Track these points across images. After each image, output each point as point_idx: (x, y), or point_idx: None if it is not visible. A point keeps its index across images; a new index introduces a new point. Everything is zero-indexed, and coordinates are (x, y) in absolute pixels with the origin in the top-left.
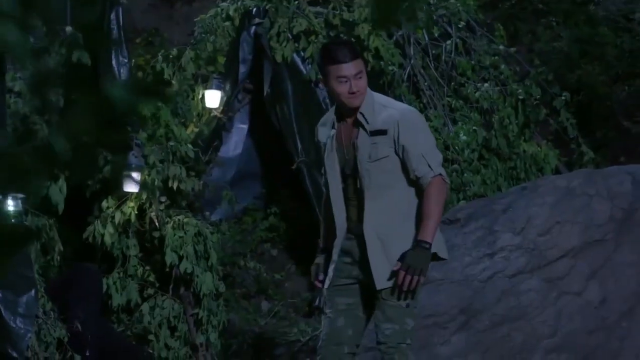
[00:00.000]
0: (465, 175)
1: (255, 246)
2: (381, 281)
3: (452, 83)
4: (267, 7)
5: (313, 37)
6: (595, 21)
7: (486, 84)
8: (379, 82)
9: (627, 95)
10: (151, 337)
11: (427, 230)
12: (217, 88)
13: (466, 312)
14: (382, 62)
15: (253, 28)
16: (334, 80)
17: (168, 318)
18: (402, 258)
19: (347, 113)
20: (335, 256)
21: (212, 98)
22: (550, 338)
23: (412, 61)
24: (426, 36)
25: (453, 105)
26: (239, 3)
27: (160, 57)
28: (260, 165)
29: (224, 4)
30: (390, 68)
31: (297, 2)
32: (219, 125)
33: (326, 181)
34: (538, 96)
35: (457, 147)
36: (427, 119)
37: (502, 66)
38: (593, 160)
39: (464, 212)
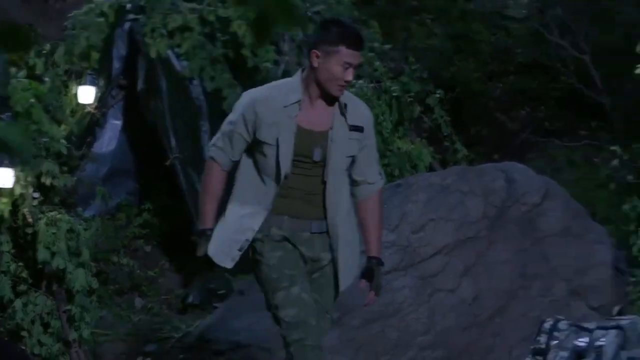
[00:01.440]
0: None
1: (129, 242)
2: (345, 282)
3: None
4: (141, 3)
5: (188, 34)
6: (469, 18)
7: (360, 81)
8: (254, 78)
9: (502, 92)
10: (24, 333)
11: (380, 244)
12: (91, 84)
13: (339, 309)
14: (256, 59)
15: (127, 24)
16: (337, 62)
17: (41, 314)
18: (370, 277)
19: (324, 98)
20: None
21: (86, 94)
22: (424, 335)
23: (287, 58)
24: (300, 33)
25: None
26: None
27: (33, 53)
28: (134, 161)
29: (98, 0)
30: (264, 64)
31: None
32: (93, 121)
33: (255, 159)
34: (412, 93)
35: None
36: None
37: (377, 63)
38: (467, 157)
39: None
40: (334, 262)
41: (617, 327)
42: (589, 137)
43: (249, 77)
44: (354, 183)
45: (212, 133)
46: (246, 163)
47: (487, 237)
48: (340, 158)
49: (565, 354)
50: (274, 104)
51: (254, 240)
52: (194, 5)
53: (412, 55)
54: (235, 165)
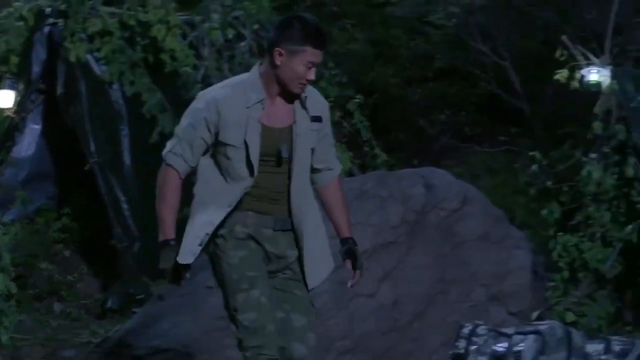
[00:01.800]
0: None
1: (48, 247)
2: (314, 280)
3: None
4: (61, 7)
5: (107, 38)
6: (389, 23)
7: None
8: (174, 82)
9: (421, 97)
10: None
11: (349, 225)
12: (10, 88)
13: None
14: (175, 63)
15: (47, 28)
16: (301, 61)
17: None
18: (353, 257)
19: (284, 96)
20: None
21: (5, 98)
22: (343, 340)
23: (206, 62)
24: (221, 37)
25: None
26: (32, 3)
27: None
28: (53, 166)
29: (18, 4)
30: (184, 69)
31: (91, 2)
32: (12, 126)
33: (216, 160)
34: (332, 98)
35: None
36: None
37: None
38: (386, 162)
39: None
40: (300, 259)
41: (536, 332)
42: (508, 143)
43: (169, 82)
44: (314, 171)
45: (132, 137)
46: (206, 166)
47: (406, 242)
48: (305, 152)
49: (484, 358)
50: (236, 103)
51: (216, 236)
52: (113, 9)
53: (332, 60)
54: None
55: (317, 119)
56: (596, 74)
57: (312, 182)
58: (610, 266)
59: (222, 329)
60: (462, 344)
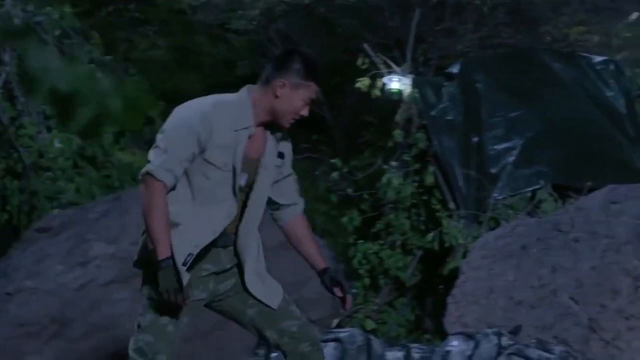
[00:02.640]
0: (59, 183)
1: None
2: (253, 286)
3: None
4: None
5: None
6: (192, 30)
7: None
8: None
9: None
10: None
11: (322, 257)
12: None
13: (59, 321)
14: None
15: None
16: (301, 96)
17: None
18: (340, 283)
19: (267, 126)
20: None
21: None
22: None
23: (7, 68)
24: None
25: (48, 113)
26: None
27: None
28: None
29: None
30: None
31: None
32: None
33: (190, 181)
34: None
35: (51, 155)
36: (22, 126)
37: (98, 74)
38: None
39: (57, 221)
40: (239, 266)
41: (336, 339)
42: (309, 150)
43: None
44: (281, 207)
45: None
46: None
47: None
48: (266, 185)
49: None
50: (225, 124)
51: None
52: None
53: (134, 66)
54: None
55: (281, 155)
56: (397, 83)
57: (279, 220)
58: (410, 274)
59: (21, 336)
60: (262, 351)
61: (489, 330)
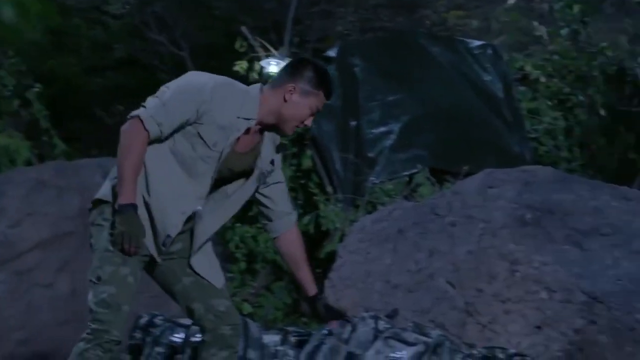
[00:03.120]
0: None
1: None
2: (198, 265)
3: None
4: None
5: None
6: (68, 12)
7: None
8: None
9: (100, 87)
10: None
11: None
12: None
13: None
14: None
15: None
16: (310, 104)
17: None
18: (335, 314)
19: (268, 127)
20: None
21: None
22: (19, 330)
23: None
24: None
25: None
26: None
27: None
28: None
29: None
30: None
31: None
32: None
33: (175, 149)
34: (11, 87)
35: None
36: None
37: None
38: (65, 152)
39: None
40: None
41: None
42: None
43: None
44: (273, 218)
45: None
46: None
47: (84, 233)
48: (251, 187)
49: (160, 349)
50: (231, 106)
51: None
52: None
53: (11, 48)
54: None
55: (272, 162)
56: (275, 66)
57: (272, 232)
58: None
59: None
60: (138, 334)
61: (365, 314)
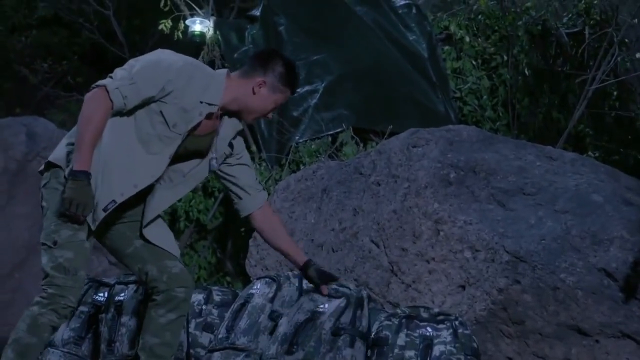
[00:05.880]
0: None
1: None
2: (152, 234)
3: None
4: None
5: None
6: None
7: None
8: None
9: (24, 46)
10: None
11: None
12: None
13: None
14: None
15: None
16: (275, 99)
17: None
18: (327, 276)
19: (229, 114)
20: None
21: None
22: None
23: None
24: None
25: None
26: None
27: None
28: None
29: None
30: None
31: None
32: None
33: (132, 124)
34: None
35: None
36: None
37: None
38: None
39: None
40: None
41: (135, 282)
42: None
43: None
44: (245, 197)
45: None
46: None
47: (7, 192)
48: (205, 168)
49: (85, 308)
50: (195, 89)
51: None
52: None
53: None
54: None
55: (231, 145)
56: (200, 25)
57: (243, 210)
58: (211, 217)
59: None
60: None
61: (290, 273)
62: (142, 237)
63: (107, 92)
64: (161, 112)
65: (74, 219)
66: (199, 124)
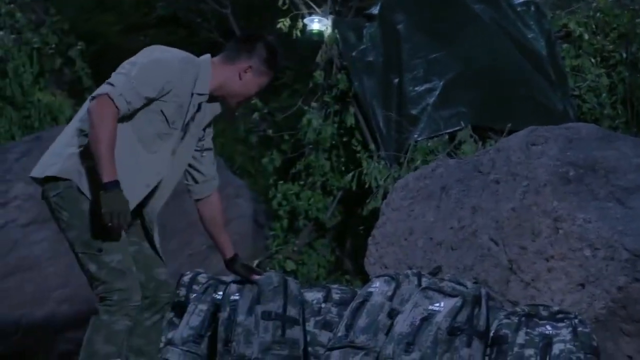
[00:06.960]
0: None
1: None
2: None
3: None
4: None
5: None
6: None
7: (1, 32)
8: None
9: (143, 45)
10: None
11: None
12: None
13: None
14: None
15: None
16: (259, 82)
17: None
18: (255, 271)
19: (212, 99)
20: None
21: None
22: (61, 289)
23: None
24: None
25: None
26: None
27: None
28: None
29: None
30: None
31: None
32: None
33: (132, 123)
34: (53, 45)
35: None
36: None
37: (18, 14)
38: None
39: None
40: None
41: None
42: None
43: None
44: (197, 182)
45: None
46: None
47: None
48: (190, 151)
49: (204, 306)
50: (188, 83)
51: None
52: None
53: (53, 6)
54: None
55: (204, 129)
56: (318, 23)
57: (195, 193)
58: (330, 215)
59: None
60: (182, 291)
61: (409, 271)
62: (135, 237)
63: (112, 99)
64: (162, 111)
65: (117, 228)
66: (194, 116)
